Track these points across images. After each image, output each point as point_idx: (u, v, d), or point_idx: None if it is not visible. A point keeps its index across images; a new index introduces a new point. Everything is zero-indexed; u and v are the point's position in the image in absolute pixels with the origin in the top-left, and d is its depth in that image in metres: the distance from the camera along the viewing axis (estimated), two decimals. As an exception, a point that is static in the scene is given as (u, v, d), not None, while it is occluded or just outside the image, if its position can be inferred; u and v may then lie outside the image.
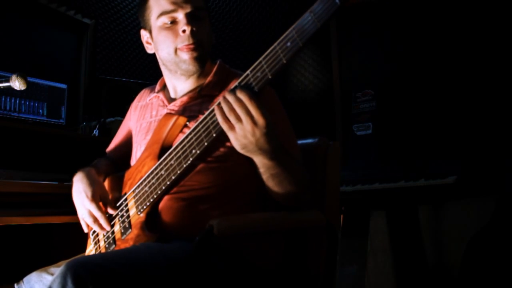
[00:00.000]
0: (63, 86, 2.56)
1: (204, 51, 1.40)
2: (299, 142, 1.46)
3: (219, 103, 1.14)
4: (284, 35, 1.08)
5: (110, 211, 1.42)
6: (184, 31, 1.35)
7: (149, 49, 1.50)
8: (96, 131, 2.53)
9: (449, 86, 2.53)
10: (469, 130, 2.39)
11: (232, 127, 1.12)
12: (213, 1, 3.52)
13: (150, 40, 1.47)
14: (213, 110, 1.20)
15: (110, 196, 1.46)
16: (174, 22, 1.37)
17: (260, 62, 1.11)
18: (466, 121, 2.42)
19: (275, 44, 1.09)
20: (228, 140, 1.29)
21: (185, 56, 1.37)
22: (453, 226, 2.37)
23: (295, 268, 1.41)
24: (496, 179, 2.13)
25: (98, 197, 1.40)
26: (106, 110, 2.67)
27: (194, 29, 1.36)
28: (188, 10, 1.36)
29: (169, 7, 1.36)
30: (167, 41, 1.38)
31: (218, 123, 1.18)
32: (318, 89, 3.29)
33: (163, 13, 1.37)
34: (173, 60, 1.40)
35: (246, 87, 1.12)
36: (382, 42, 2.90)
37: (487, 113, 2.37)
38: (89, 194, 1.39)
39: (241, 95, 1.10)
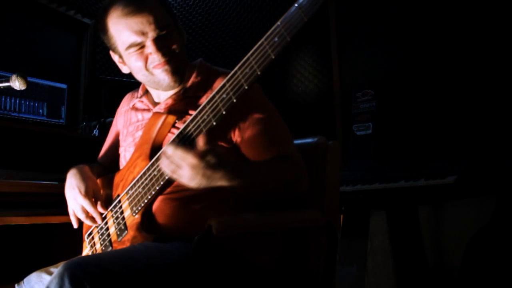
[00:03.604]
0: (63, 86, 2.55)
1: (179, 61, 1.36)
2: (299, 142, 1.46)
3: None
4: (271, 30, 1.07)
5: (100, 209, 1.42)
6: (153, 54, 1.33)
7: (124, 70, 1.46)
8: (96, 131, 2.53)
9: (449, 86, 2.53)
10: (469, 130, 2.39)
11: (180, 175, 1.13)
12: (213, 1, 3.52)
13: (121, 61, 1.44)
14: (202, 109, 1.20)
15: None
16: (142, 47, 1.34)
17: (248, 58, 1.11)
18: (466, 121, 2.41)
19: (262, 39, 1.08)
20: (220, 138, 1.30)
21: (162, 74, 1.34)
22: (453, 226, 2.37)
23: (295, 268, 1.41)
24: (496, 179, 2.13)
25: (92, 193, 1.41)
26: (106, 110, 2.67)
27: (164, 50, 1.33)
28: (154, 36, 1.32)
29: (134, 39, 1.32)
30: (139, 64, 1.35)
31: (209, 121, 1.19)
32: (318, 89, 3.29)
33: (130, 46, 1.34)
34: (151, 80, 1.38)
35: (170, 145, 1.15)
36: (382, 42, 2.90)
37: (487, 113, 2.37)
38: (83, 189, 1.39)
39: (167, 151, 1.13)
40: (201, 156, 1.11)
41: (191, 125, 1.22)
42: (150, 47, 1.32)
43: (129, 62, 1.39)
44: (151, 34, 1.31)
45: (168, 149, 1.13)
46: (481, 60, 2.44)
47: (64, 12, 2.82)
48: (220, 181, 1.16)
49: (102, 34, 1.41)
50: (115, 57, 1.46)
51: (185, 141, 1.23)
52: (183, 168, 1.12)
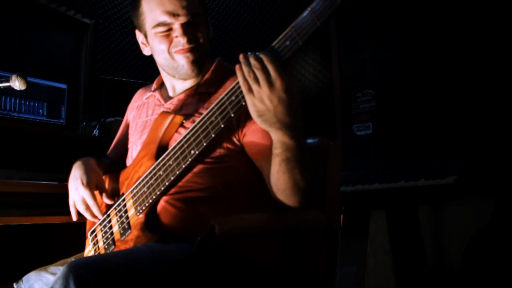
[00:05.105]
0: (63, 86, 2.56)
1: (202, 53, 1.37)
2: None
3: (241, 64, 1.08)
4: (283, 34, 1.06)
5: (106, 200, 1.41)
6: (178, 37, 1.34)
7: (145, 51, 1.47)
8: (96, 131, 2.53)
9: (449, 86, 2.53)
10: (469, 130, 2.39)
11: (250, 89, 1.06)
12: (213, 1, 3.52)
13: (145, 41, 1.45)
14: (210, 111, 1.18)
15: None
16: (169, 29, 1.35)
17: None
18: (466, 121, 2.42)
19: (274, 42, 1.07)
20: (226, 140, 1.29)
21: (182, 60, 1.35)
22: (453, 226, 2.37)
23: (295, 268, 1.41)
24: (496, 179, 2.13)
25: (94, 185, 1.39)
26: (106, 110, 2.67)
27: (190, 37, 1.33)
28: (184, 20, 1.32)
29: (164, 18, 1.33)
30: (162, 46, 1.36)
31: (216, 123, 1.17)
32: (318, 89, 3.29)
33: (158, 25, 1.34)
34: (170, 65, 1.38)
35: (271, 51, 1.07)
36: (382, 42, 2.90)
37: (487, 113, 2.37)
38: (85, 180, 1.38)
39: (262, 55, 1.06)
40: (290, 83, 1.04)
41: (198, 126, 1.21)
42: (177, 31, 1.33)
43: (152, 43, 1.39)
44: (181, 18, 1.32)
45: (261, 55, 1.05)
46: (481, 60, 2.44)
47: (64, 12, 2.82)
48: (281, 131, 1.09)
49: (133, 10, 1.42)
50: (139, 37, 1.47)
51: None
52: (261, 84, 1.04)
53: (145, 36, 1.42)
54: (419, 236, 2.47)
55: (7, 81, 1.68)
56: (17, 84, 1.67)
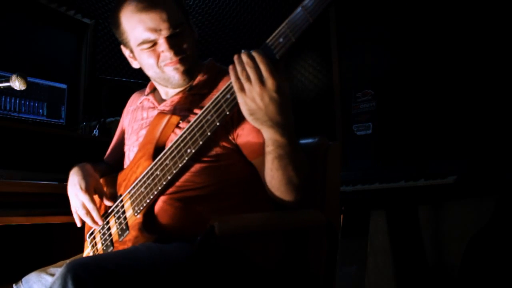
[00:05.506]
0: (63, 86, 2.56)
1: (191, 61, 1.37)
2: (300, 142, 1.46)
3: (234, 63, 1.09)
4: (277, 31, 1.07)
5: (107, 202, 1.42)
6: (165, 52, 1.33)
7: (134, 64, 1.46)
8: (96, 131, 2.53)
9: (449, 86, 2.53)
10: (469, 130, 2.39)
11: (242, 87, 1.07)
12: (213, 1, 3.52)
13: (132, 56, 1.44)
14: (206, 109, 1.19)
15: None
16: (154, 44, 1.34)
17: None
18: (466, 121, 2.42)
19: (268, 40, 1.08)
20: (222, 139, 1.29)
21: (172, 72, 1.35)
22: (453, 226, 2.37)
23: (296, 267, 1.41)
24: (496, 179, 2.13)
25: (92, 189, 1.40)
26: (106, 110, 2.67)
27: (176, 49, 1.33)
28: (167, 34, 1.32)
29: (147, 35, 1.32)
30: (151, 61, 1.36)
31: (212, 122, 1.17)
32: (318, 89, 3.29)
33: (142, 43, 1.34)
34: (162, 77, 1.38)
35: (265, 49, 1.07)
36: (382, 42, 2.90)
37: (487, 113, 2.37)
38: (83, 186, 1.38)
39: (254, 53, 1.06)
40: (281, 82, 1.05)
41: (194, 125, 1.22)
42: (162, 45, 1.32)
43: (140, 59, 1.39)
44: (164, 32, 1.32)
45: (254, 53, 1.06)
46: (481, 60, 2.44)
47: (64, 12, 2.82)
48: (273, 129, 1.10)
49: (114, 28, 1.41)
50: (125, 52, 1.46)
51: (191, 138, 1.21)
52: (253, 83, 1.05)
53: (131, 51, 1.42)
54: (419, 236, 2.47)
55: (7, 81, 1.68)
56: (17, 84, 1.67)
